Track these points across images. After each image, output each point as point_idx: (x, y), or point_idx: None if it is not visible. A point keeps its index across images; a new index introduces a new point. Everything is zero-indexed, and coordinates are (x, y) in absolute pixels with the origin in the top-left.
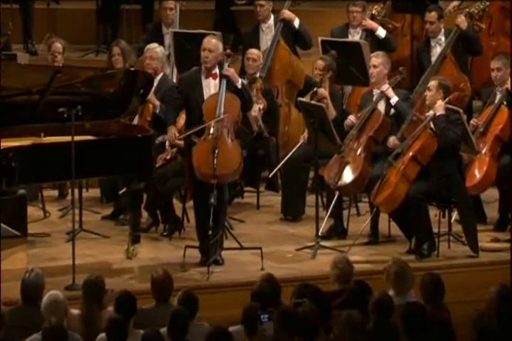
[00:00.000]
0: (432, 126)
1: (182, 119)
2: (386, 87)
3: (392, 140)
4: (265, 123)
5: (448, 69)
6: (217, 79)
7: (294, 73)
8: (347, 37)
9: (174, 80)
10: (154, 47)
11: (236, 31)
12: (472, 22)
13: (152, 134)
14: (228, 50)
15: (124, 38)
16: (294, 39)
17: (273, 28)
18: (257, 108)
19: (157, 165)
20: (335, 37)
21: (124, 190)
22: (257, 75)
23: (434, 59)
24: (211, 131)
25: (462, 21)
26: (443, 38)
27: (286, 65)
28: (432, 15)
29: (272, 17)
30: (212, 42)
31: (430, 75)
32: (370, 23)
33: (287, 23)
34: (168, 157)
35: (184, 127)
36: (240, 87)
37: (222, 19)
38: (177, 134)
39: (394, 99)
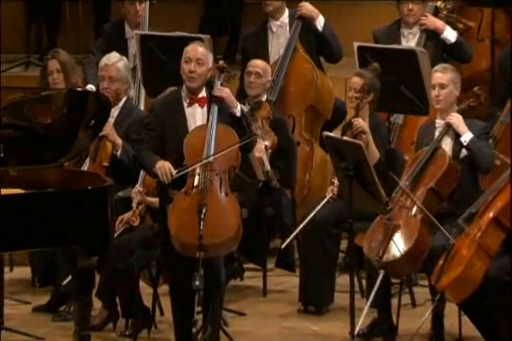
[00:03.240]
0: None
1: None
2: (455, 117)
3: None
4: (275, 168)
5: None
6: (205, 107)
7: (319, 96)
8: (398, 41)
9: (142, 106)
10: (115, 62)
11: (233, 33)
12: None
13: (110, 185)
14: (221, 62)
15: (67, 45)
16: (318, 46)
17: (288, 27)
18: (263, 147)
19: (116, 232)
20: (380, 42)
21: (66, 268)
22: (264, 98)
23: None
24: (195, 180)
25: None
26: None
27: (307, 83)
28: None
29: (287, 12)
30: (200, 51)
31: None
32: (433, 21)
33: (307, 23)
34: (133, 219)
35: (155, 181)
36: (238, 114)
37: (212, 15)
38: (173, 170)
39: (467, 136)
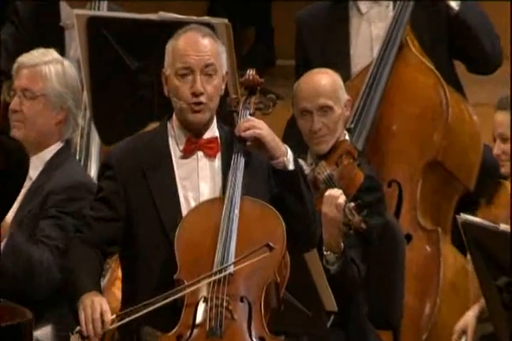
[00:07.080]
0: None
1: (117, 280)
2: None
3: None
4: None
5: None
6: (218, 157)
7: (451, 141)
8: None
9: (92, 167)
10: (40, 63)
11: (265, 18)
12: None
13: (25, 322)
14: (251, 72)
15: None
16: (451, 41)
17: (392, 7)
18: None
19: None
20: None
21: None
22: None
23: None
24: (199, 312)
25: None
26: None
27: (428, 115)
28: None
29: None
30: (206, 47)
31: None
32: None
33: None
34: None
35: (122, 303)
36: (291, 167)
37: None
38: (109, 317)
39: None
